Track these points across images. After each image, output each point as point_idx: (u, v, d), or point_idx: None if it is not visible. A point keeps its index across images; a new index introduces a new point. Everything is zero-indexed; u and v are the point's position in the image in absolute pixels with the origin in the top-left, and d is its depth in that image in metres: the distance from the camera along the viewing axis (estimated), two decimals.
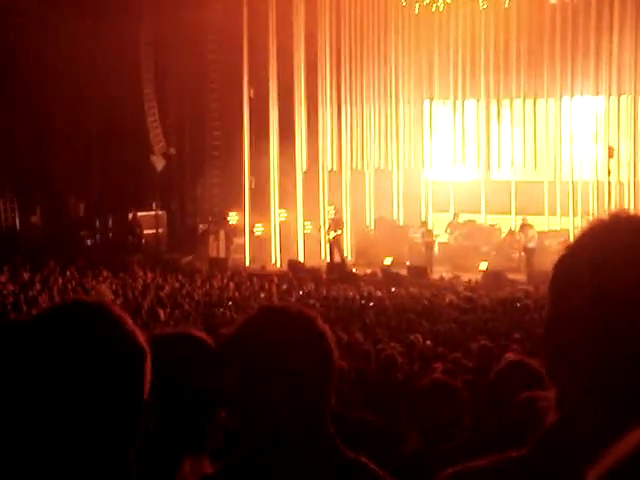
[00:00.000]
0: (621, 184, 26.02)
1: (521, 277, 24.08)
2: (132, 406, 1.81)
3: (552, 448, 1.50)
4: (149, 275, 23.98)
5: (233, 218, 29.83)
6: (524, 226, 25.79)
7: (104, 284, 21.36)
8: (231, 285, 22.43)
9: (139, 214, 29.39)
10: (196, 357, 2.58)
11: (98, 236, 29.65)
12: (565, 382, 1.50)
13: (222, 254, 29.00)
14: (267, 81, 29.66)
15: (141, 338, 1.84)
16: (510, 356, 5.36)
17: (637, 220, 1.53)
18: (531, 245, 25.32)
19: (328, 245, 27.93)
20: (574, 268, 1.51)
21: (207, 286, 22.46)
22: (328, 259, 27.56)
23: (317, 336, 2.28)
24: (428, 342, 12.72)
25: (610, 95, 26.36)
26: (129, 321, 1.84)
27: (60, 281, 21.87)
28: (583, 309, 1.46)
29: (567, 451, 1.30)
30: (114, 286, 21.57)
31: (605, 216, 1.54)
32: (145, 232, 29.33)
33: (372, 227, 29.25)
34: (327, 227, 28.11)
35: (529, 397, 4.09)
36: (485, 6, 27.93)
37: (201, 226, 30.31)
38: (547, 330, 1.53)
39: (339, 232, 27.63)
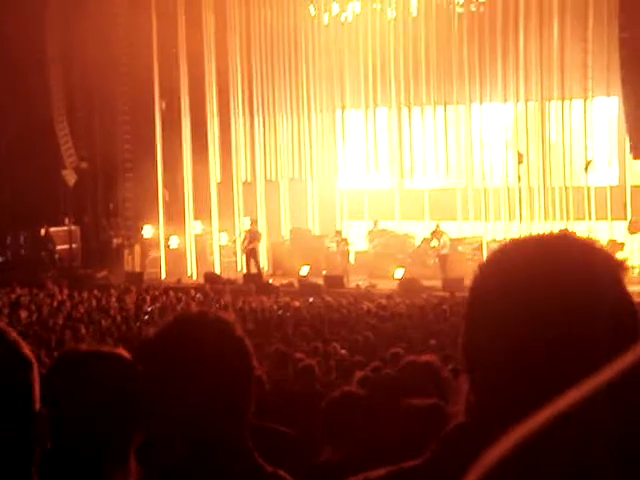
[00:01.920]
0: (531, 189, 26.47)
1: (436, 283, 24.32)
2: (18, 417, 1.80)
3: (450, 455, 1.51)
4: (64, 291, 23.69)
5: (148, 231, 29.64)
6: (436, 232, 26.06)
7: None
8: (147, 299, 22.27)
9: (52, 229, 29.03)
10: (112, 371, 2.56)
11: (9, 253, 29.21)
12: (478, 390, 1.52)
13: (137, 268, 28.78)
14: (178, 92, 29.56)
15: (25, 350, 1.84)
16: (412, 358, 5.42)
17: (567, 241, 1.54)
18: (444, 252, 25.60)
19: (244, 256, 27.89)
20: (491, 283, 1.52)
21: (123, 301, 22.26)
22: (245, 270, 27.53)
23: (236, 341, 2.26)
24: (344, 351, 12.77)
25: (518, 101, 26.79)
26: (12, 333, 1.84)
27: None
28: (496, 321, 1.48)
29: (463, 458, 1.32)
30: (27, 304, 21.26)
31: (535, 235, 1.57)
32: (58, 247, 28.97)
33: (288, 237, 29.29)
34: (243, 238, 28.07)
35: (409, 406, 4.15)
36: (394, 15, 28.19)
37: (115, 240, 30.04)
38: (465, 340, 1.54)
39: (255, 244, 27.64)
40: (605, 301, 1.45)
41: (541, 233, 1.58)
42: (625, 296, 1.50)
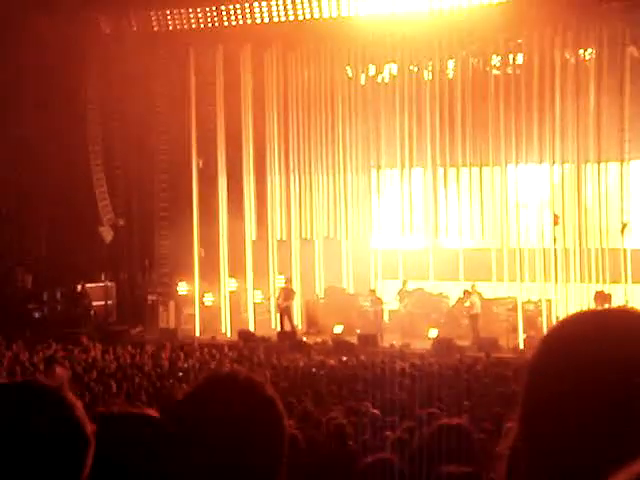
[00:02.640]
0: (567, 251, 26.38)
1: (469, 343, 24.24)
2: None
3: None
4: (98, 347, 23.76)
5: (183, 288, 29.75)
6: (466, 293, 26.06)
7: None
8: (181, 356, 22.29)
9: (88, 285, 29.21)
10: (143, 435, 2.56)
11: (46, 309, 29.38)
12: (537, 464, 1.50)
13: (172, 325, 28.86)
14: (215, 151, 29.81)
15: (88, 428, 1.86)
16: (444, 421, 5.40)
17: (627, 318, 1.52)
18: (474, 311, 25.57)
19: (279, 314, 27.93)
20: (553, 358, 1.52)
21: (157, 357, 22.30)
22: (279, 328, 27.53)
23: (266, 401, 2.25)
24: (376, 411, 12.71)
25: (554, 163, 26.79)
26: (79, 409, 1.87)
27: (8, 355, 21.60)
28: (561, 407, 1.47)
29: None
30: (62, 359, 21.34)
31: (594, 310, 1.55)
32: (94, 304, 29.12)
33: (322, 295, 29.30)
34: (277, 296, 28.13)
35: (451, 473, 4.13)
36: (430, 77, 28.38)
37: (150, 297, 30.16)
38: (525, 416, 1.53)
39: (290, 302, 27.71)
40: None
41: (601, 308, 1.56)
42: None
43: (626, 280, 25.52)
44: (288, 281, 28.38)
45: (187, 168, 29.97)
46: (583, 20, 25.69)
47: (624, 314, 1.53)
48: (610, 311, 1.55)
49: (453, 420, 5.35)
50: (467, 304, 25.96)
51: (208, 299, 29.50)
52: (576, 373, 1.46)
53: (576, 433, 1.45)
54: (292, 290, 28.14)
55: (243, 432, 2.20)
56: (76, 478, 1.84)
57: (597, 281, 25.86)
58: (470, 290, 26.11)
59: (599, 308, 1.57)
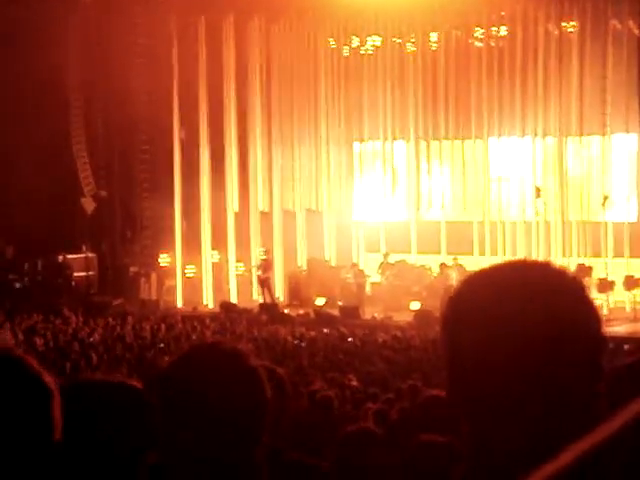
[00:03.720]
0: (548, 224, 26.45)
1: None
2: (40, 446, 1.82)
3: None
4: (79, 318, 23.75)
5: (164, 260, 29.70)
6: (442, 266, 26.25)
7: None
8: (162, 327, 22.30)
9: (69, 256, 29.12)
10: (121, 401, 2.57)
11: (27, 279, 29.29)
12: (483, 429, 1.53)
13: (153, 296, 28.83)
14: (198, 122, 29.69)
15: (47, 379, 1.86)
16: (434, 393, 5.43)
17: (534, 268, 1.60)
18: (449, 284, 25.70)
19: (260, 286, 27.94)
20: (467, 312, 1.57)
21: (138, 329, 22.30)
22: (260, 300, 27.56)
23: (249, 371, 2.27)
24: (355, 383, 12.76)
25: (536, 136, 26.84)
26: (33, 363, 1.87)
27: None
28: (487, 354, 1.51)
29: None
30: (43, 330, 21.33)
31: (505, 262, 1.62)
32: (75, 275, 29.04)
33: (304, 268, 29.31)
34: (257, 268, 28.15)
35: (427, 442, 4.15)
36: (413, 49, 28.32)
37: (132, 268, 30.10)
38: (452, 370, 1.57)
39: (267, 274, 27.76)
40: (571, 312, 1.52)
41: (500, 263, 1.62)
42: (590, 307, 1.56)
43: (607, 254, 25.62)
44: (267, 252, 28.38)
45: (169, 139, 29.85)
46: None
47: (526, 265, 1.62)
48: (511, 263, 1.63)
49: (433, 391, 5.37)
50: (441, 275, 26.17)
51: (190, 271, 29.48)
52: (489, 323, 1.52)
53: (501, 380, 1.50)
54: (271, 262, 28.17)
55: (226, 402, 2.22)
56: (46, 433, 1.83)
57: (579, 255, 25.96)
58: (447, 263, 26.24)
59: (501, 262, 1.64)
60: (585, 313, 1.54)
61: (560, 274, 1.58)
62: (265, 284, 27.69)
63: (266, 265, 27.87)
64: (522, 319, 1.50)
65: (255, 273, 28.35)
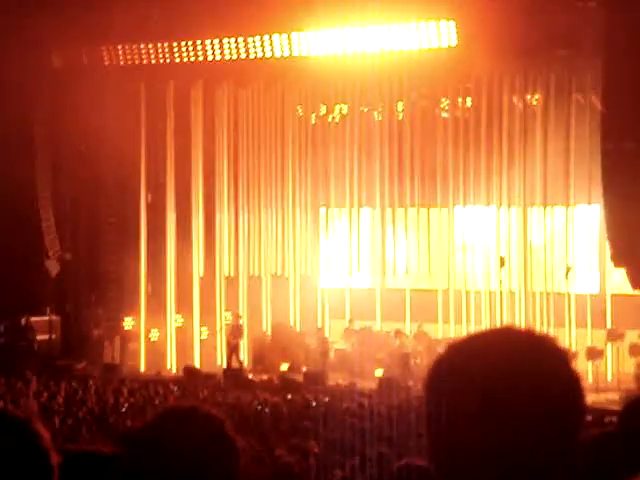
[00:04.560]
0: (512, 293, 26.62)
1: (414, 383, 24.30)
2: None
3: None
4: (41, 381, 23.51)
5: (128, 323, 29.55)
6: (397, 332, 26.47)
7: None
8: (125, 391, 22.12)
9: (32, 319, 28.90)
10: (103, 474, 2.56)
11: None
12: None
13: (117, 360, 28.62)
14: (164, 186, 29.75)
15: (54, 459, 1.89)
16: (407, 461, 5.45)
17: (518, 336, 1.62)
18: (405, 351, 25.96)
19: (226, 351, 27.84)
20: (453, 379, 1.59)
21: (101, 393, 22.11)
22: (225, 365, 27.42)
23: (227, 441, 2.26)
24: (318, 450, 12.71)
25: (501, 205, 27.10)
26: (46, 440, 1.90)
27: None
28: (471, 421, 1.54)
29: None
30: (4, 393, 21.09)
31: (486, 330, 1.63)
32: (39, 337, 28.81)
33: (269, 333, 29.24)
34: (227, 333, 28.06)
35: None
36: (380, 118, 28.61)
37: (95, 331, 29.90)
38: (437, 439, 1.59)
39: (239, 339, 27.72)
40: (554, 382, 1.54)
41: (485, 330, 1.65)
42: (572, 377, 1.59)
43: (570, 324, 25.80)
44: (237, 317, 28.31)
45: (136, 203, 29.89)
46: (530, 66, 26.09)
47: (504, 333, 1.63)
48: (492, 332, 1.66)
49: (416, 460, 5.37)
50: (397, 343, 26.32)
51: (154, 335, 29.33)
52: (468, 386, 1.54)
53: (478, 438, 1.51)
54: (241, 327, 28.10)
55: (200, 467, 2.21)
56: None
57: (542, 324, 26.08)
58: (402, 330, 26.44)
59: (483, 331, 1.66)
60: (570, 387, 1.55)
61: (546, 345, 1.59)
62: (234, 349, 27.61)
63: (237, 330, 27.83)
64: (508, 394, 1.50)
65: (224, 338, 28.26)
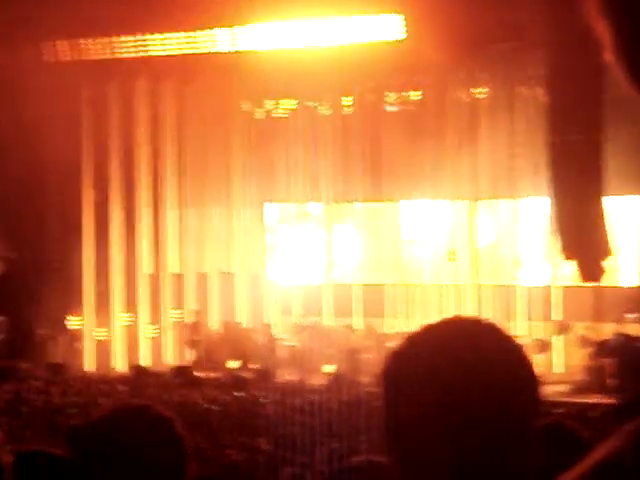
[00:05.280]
0: (461, 287, 26.73)
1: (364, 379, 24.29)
2: None
3: None
4: None
5: (74, 322, 29.28)
6: (347, 328, 26.63)
7: None
8: (70, 391, 21.92)
9: None
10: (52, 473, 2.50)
11: None
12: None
13: (62, 359, 28.34)
14: (109, 183, 29.50)
15: (3, 459, 1.83)
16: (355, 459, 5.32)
17: (468, 326, 1.59)
18: (355, 346, 26.10)
19: (178, 349, 27.79)
20: (410, 373, 1.57)
21: (45, 393, 21.88)
22: (171, 363, 27.30)
23: (175, 440, 2.23)
24: (268, 447, 12.64)
25: (448, 199, 27.19)
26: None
27: None
28: (424, 414, 1.51)
29: None
30: None
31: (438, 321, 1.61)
32: None
33: (217, 330, 29.13)
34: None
35: None
36: (326, 112, 28.57)
37: (40, 331, 29.59)
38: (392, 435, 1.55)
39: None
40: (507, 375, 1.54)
41: (436, 322, 1.60)
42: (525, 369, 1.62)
43: (517, 317, 25.95)
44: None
45: (79, 201, 29.60)
46: (477, 60, 26.16)
47: (455, 323, 1.63)
48: (444, 323, 1.63)
49: (375, 457, 5.25)
50: (347, 339, 26.46)
51: (100, 333, 29.09)
52: (428, 381, 1.53)
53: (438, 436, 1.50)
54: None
55: (149, 467, 2.16)
56: None
57: (490, 317, 26.17)
58: (351, 326, 26.66)
59: (436, 322, 1.64)
60: (524, 377, 1.54)
61: (498, 332, 1.57)
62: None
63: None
64: (467, 383, 1.47)
65: (174, 336, 28.21)
